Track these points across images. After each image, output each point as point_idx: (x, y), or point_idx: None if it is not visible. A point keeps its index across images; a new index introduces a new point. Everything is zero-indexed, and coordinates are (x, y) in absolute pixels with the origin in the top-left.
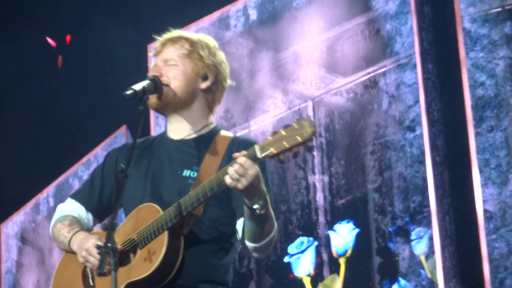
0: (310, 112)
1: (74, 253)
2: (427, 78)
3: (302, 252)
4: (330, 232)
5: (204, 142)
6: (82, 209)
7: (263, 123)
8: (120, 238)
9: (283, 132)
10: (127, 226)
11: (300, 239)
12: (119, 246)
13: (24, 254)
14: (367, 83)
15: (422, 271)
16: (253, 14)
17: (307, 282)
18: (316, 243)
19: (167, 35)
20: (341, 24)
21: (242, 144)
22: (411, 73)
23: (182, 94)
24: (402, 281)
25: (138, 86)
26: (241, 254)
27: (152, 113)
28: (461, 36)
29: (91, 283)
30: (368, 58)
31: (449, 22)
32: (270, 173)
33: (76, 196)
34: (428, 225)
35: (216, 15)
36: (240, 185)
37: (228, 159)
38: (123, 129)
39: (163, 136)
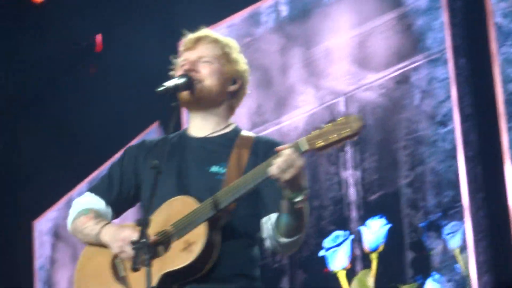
0: (342, 108)
1: (99, 245)
2: (459, 73)
3: (338, 245)
4: (362, 228)
5: (228, 140)
6: (102, 203)
7: (295, 119)
8: (152, 231)
9: (329, 126)
10: (158, 219)
11: (336, 233)
12: (153, 237)
13: (58, 250)
14: (398, 79)
15: (456, 265)
16: (284, 10)
17: (342, 275)
18: (352, 236)
19: (201, 33)
20: (372, 20)
21: (267, 143)
22: (443, 68)
23: (214, 93)
24: (436, 275)
25: (170, 83)
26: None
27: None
28: (492, 31)
29: (123, 273)
30: (400, 53)
31: (480, 16)
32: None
33: (95, 190)
34: (461, 219)
35: (247, 11)
36: (286, 177)
37: (254, 158)
38: (155, 125)
39: (184, 134)
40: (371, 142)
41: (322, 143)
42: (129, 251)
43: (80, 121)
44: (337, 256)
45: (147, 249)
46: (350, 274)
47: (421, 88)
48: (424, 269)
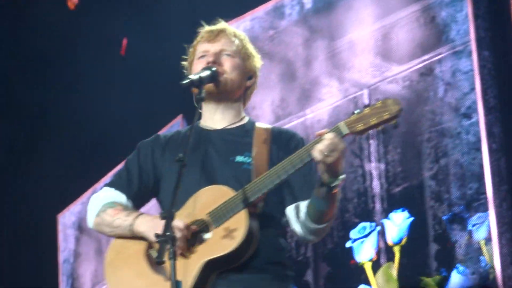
0: (366, 100)
1: (129, 237)
2: (483, 65)
3: (366, 236)
4: (385, 221)
5: (246, 132)
6: (123, 197)
7: (319, 111)
8: (187, 221)
9: (367, 110)
10: (190, 210)
11: (362, 224)
12: (193, 226)
13: (82, 244)
14: (422, 71)
15: (481, 257)
16: (308, 3)
17: (368, 267)
18: (378, 228)
19: (221, 26)
20: (396, 12)
21: (286, 133)
22: (467, 60)
23: (235, 86)
24: (460, 268)
25: (195, 76)
26: (297, 242)
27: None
28: None
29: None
30: (424, 45)
31: (504, 8)
32: None
33: (115, 185)
34: (485, 211)
35: (271, 4)
36: (329, 160)
37: (276, 147)
38: (179, 119)
39: (197, 127)
40: (395, 134)
41: (362, 127)
42: (174, 232)
43: (104, 115)
44: (363, 247)
45: (172, 242)
46: (375, 266)
47: (445, 80)
48: (448, 262)
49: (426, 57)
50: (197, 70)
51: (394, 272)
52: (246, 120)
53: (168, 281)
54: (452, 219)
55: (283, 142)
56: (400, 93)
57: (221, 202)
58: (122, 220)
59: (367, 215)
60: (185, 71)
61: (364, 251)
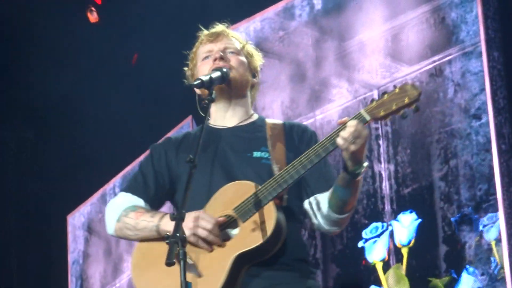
0: None
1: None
2: (493, 66)
3: (378, 236)
4: (393, 222)
5: (258, 128)
6: (141, 201)
7: (329, 112)
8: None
9: (386, 97)
10: (215, 206)
11: (374, 224)
12: (220, 219)
13: (91, 245)
14: (432, 72)
15: (491, 258)
16: (318, 4)
17: (379, 267)
18: (391, 227)
19: (219, 28)
20: (406, 13)
21: (299, 127)
22: (477, 61)
23: (243, 82)
24: (470, 269)
25: (205, 77)
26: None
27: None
28: None
29: (190, 262)
30: (433, 46)
31: None
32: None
33: (131, 190)
34: (495, 212)
35: (281, 4)
36: (353, 147)
37: (290, 141)
38: (189, 120)
39: (207, 126)
40: (405, 135)
41: (383, 113)
42: (201, 232)
43: (114, 116)
44: (376, 247)
45: (182, 243)
46: (385, 267)
47: (455, 81)
48: (457, 263)
49: (436, 58)
50: (203, 71)
51: (403, 273)
52: (256, 117)
53: (199, 278)
54: (462, 220)
55: (298, 135)
56: None
57: (245, 197)
58: (147, 221)
59: (377, 216)
60: (185, 80)
61: (376, 251)
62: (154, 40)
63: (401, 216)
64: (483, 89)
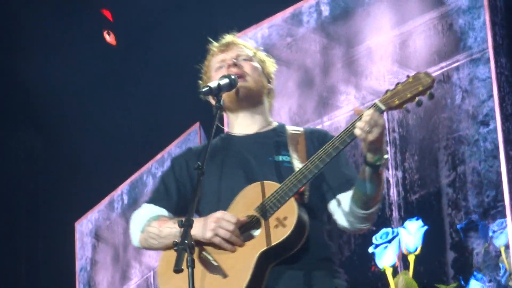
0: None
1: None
2: (501, 72)
3: (389, 241)
4: (400, 229)
5: (279, 134)
6: (164, 211)
7: (336, 119)
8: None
9: (399, 87)
10: (237, 208)
11: (384, 230)
12: (242, 219)
13: (99, 252)
14: (440, 78)
15: (500, 264)
16: (325, 10)
17: (389, 273)
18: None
19: (229, 38)
20: (413, 19)
21: (319, 132)
22: (484, 68)
23: (257, 88)
24: (478, 275)
25: (213, 83)
26: None
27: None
28: None
29: (214, 263)
30: (441, 52)
31: None
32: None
33: (154, 201)
34: (504, 218)
35: (288, 11)
36: (371, 137)
37: (311, 145)
38: (196, 126)
39: (228, 135)
40: (412, 141)
41: (398, 101)
42: (223, 232)
43: (122, 124)
44: (386, 252)
45: (190, 250)
46: (393, 273)
47: (463, 88)
48: (465, 269)
49: (443, 64)
50: None
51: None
52: (275, 124)
53: (224, 278)
54: (469, 227)
55: (319, 139)
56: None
57: (267, 196)
58: (171, 228)
59: (384, 223)
60: (201, 96)
61: (386, 256)
62: (162, 47)
63: (407, 223)
64: (491, 96)
